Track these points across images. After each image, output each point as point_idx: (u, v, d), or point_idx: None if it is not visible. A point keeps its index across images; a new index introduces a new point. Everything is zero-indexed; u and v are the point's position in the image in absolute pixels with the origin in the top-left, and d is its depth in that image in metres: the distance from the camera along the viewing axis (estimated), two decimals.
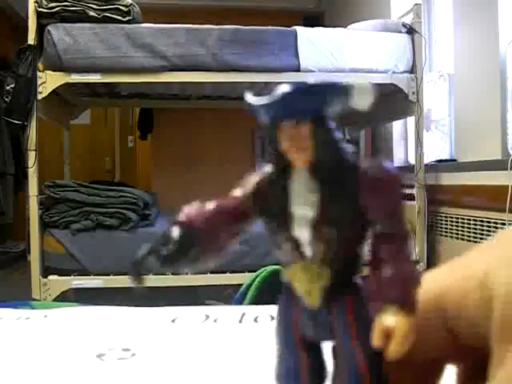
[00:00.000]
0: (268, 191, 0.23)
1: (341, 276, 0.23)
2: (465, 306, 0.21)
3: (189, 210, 0.24)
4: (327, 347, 0.24)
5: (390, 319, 0.20)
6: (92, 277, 2.52)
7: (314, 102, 0.22)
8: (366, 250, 0.23)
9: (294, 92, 0.21)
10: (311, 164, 0.22)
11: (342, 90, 0.21)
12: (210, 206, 0.24)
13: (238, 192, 0.25)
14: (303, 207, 0.22)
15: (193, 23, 2.59)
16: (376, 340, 0.20)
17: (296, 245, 0.23)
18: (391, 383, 0.23)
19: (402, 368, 0.23)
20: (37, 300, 2.34)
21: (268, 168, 0.24)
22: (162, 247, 0.23)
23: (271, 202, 0.23)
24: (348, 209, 0.22)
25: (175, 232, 0.23)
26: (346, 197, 0.22)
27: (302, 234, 0.22)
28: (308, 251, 0.22)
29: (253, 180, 0.24)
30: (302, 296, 0.23)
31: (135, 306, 0.59)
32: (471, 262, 0.23)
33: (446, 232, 2.67)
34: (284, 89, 0.21)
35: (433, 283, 0.23)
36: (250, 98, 0.23)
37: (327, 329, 0.23)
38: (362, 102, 0.21)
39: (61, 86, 2.45)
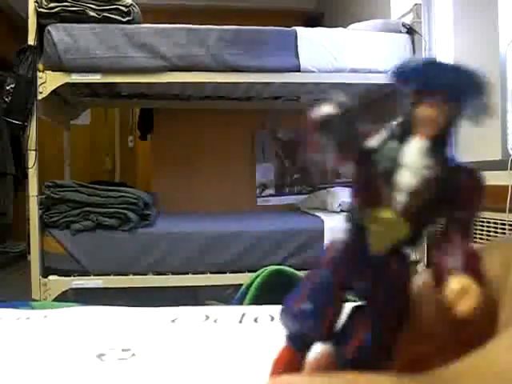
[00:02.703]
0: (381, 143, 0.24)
1: (411, 237, 0.24)
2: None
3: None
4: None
5: (464, 280, 0.21)
6: (92, 277, 2.52)
7: (466, 88, 0.23)
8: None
9: (459, 71, 0.22)
10: (432, 136, 0.23)
11: (483, 86, 0.22)
12: None
13: None
14: (414, 163, 0.23)
15: (193, 23, 2.59)
16: (449, 294, 0.21)
17: (393, 191, 0.23)
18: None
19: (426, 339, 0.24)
20: (37, 300, 2.34)
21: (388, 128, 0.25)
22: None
23: (382, 150, 0.24)
24: (446, 188, 0.23)
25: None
26: (448, 179, 0.23)
27: (406, 182, 0.23)
28: (403, 200, 0.23)
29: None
30: (372, 240, 0.24)
31: (135, 305, 0.59)
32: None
33: None
34: (454, 64, 0.22)
35: None
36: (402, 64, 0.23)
37: (378, 278, 0.24)
38: (482, 110, 0.23)
39: (61, 86, 2.46)
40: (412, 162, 0.23)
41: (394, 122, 0.25)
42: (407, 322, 0.24)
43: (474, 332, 0.23)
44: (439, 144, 0.24)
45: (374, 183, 0.24)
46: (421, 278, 0.26)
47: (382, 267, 0.24)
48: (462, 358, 0.21)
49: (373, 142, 0.24)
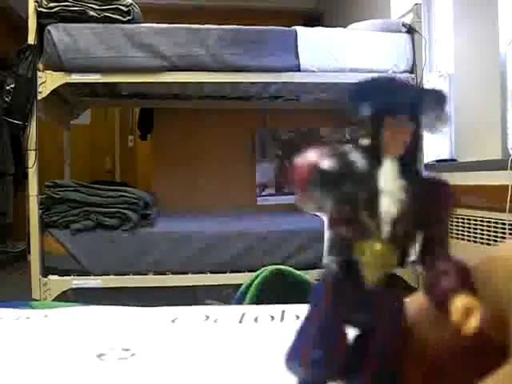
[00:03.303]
0: (353, 172, 0.24)
1: (400, 262, 0.24)
2: (488, 289, 0.22)
3: None
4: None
5: (466, 300, 0.22)
6: (92, 277, 2.52)
7: (419, 102, 0.23)
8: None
9: (413, 89, 0.23)
10: (402, 157, 0.24)
11: (442, 101, 0.23)
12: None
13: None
14: (392, 188, 0.24)
15: (193, 23, 2.59)
16: (455, 316, 0.22)
17: (377, 222, 0.24)
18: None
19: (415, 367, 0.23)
20: (37, 300, 2.34)
21: (354, 153, 0.25)
22: None
23: (359, 180, 0.24)
24: (423, 204, 0.24)
25: None
26: (424, 194, 0.24)
27: (389, 210, 0.24)
28: (387, 228, 0.24)
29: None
30: (366, 272, 0.24)
31: (135, 305, 0.59)
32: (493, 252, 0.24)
33: None
34: (403, 82, 0.23)
35: None
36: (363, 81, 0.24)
37: (376, 309, 0.24)
38: (439, 124, 0.24)
39: (61, 85, 2.45)
40: (389, 186, 0.24)
41: (359, 146, 0.25)
42: (408, 350, 0.24)
43: (484, 348, 0.23)
44: (408, 161, 0.24)
45: (356, 214, 0.24)
46: (413, 301, 0.26)
47: (380, 298, 0.24)
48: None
49: (344, 170, 0.24)
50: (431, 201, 0.24)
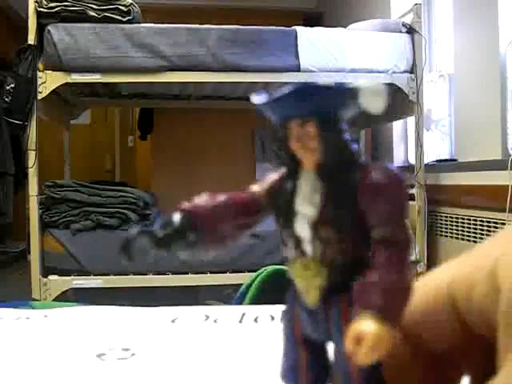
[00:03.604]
0: (279, 189, 0.24)
1: (339, 277, 0.22)
2: (474, 296, 0.21)
3: (197, 200, 0.25)
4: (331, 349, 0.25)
5: (364, 324, 0.20)
6: (92, 277, 2.52)
7: (322, 102, 0.21)
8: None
9: (301, 90, 0.21)
10: (318, 165, 0.22)
11: (350, 92, 0.21)
12: (220, 197, 0.25)
13: (254, 188, 0.25)
14: (307, 206, 0.22)
15: (193, 23, 2.59)
16: (346, 343, 0.20)
17: (298, 242, 0.23)
18: (400, 375, 0.23)
19: (414, 359, 0.23)
20: (37, 300, 2.34)
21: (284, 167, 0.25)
22: (160, 229, 0.25)
23: (280, 200, 0.24)
24: (349, 211, 0.22)
25: (176, 217, 0.24)
26: (348, 199, 0.22)
27: (304, 231, 0.22)
28: (308, 249, 0.23)
29: (271, 178, 0.25)
30: (302, 294, 0.23)
31: (135, 305, 0.59)
32: (482, 253, 0.22)
33: (446, 232, 2.67)
34: (290, 87, 0.21)
35: (444, 274, 0.23)
36: (256, 97, 0.22)
37: (325, 329, 0.23)
38: (374, 104, 0.21)
39: (61, 85, 2.45)
40: (306, 202, 0.22)
41: (280, 158, 0.24)
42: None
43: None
44: (331, 165, 0.22)
45: (284, 238, 0.24)
46: None
47: (322, 314, 0.23)
48: None
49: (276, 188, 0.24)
50: (368, 203, 0.21)
